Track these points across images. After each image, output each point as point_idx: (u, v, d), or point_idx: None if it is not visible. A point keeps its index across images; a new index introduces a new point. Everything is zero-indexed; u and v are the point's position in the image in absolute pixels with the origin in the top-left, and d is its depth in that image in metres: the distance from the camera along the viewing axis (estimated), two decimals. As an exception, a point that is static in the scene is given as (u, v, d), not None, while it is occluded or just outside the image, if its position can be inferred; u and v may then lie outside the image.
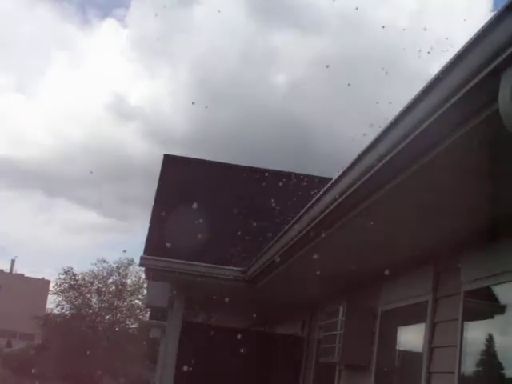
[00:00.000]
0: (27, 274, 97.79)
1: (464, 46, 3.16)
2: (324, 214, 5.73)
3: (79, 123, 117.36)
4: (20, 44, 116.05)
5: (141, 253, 10.40)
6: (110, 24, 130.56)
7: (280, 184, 13.05)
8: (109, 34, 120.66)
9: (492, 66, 2.94)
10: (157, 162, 13.81)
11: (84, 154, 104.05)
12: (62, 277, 49.79)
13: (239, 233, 11.26)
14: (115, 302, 50.55)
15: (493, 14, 2.95)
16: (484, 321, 5.67)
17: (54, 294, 50.72)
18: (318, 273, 8.07)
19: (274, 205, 12.21)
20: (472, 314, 5.50)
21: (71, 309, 50.14)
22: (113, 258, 79.52)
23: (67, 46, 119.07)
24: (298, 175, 13.89)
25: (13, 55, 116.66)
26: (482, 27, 3.00)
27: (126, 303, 50.83)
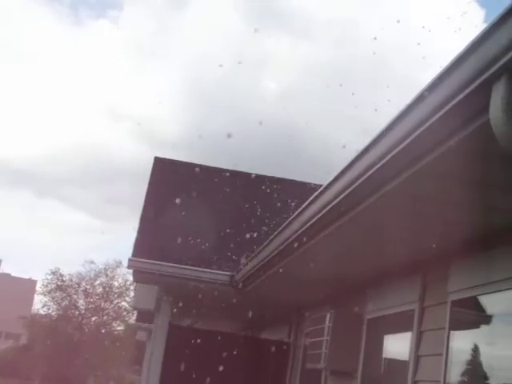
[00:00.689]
0: (14, 274, 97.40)
1: (455, 57, 3.18)
2: (313, 220, 5.74)
3: (69, 123, 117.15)
4: (10, 41, 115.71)
5: (129, 255, 10.39)
6: (102, 25, 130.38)
7: (270, 189, 13.07)
8: (101, 35, 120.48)
9: (483, 77, 2.96)
10: (147, 163, 13.82)
11: (73, 155, 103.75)
12: (49, 277, 49.66)
13: (228, 237, 11.27)
14: (102, 304, 50.41)
15: (484, 26, 2.97)
16: (470, 330, 5.70)
17: (40, 294, 50.57)
18: (305, 279, 8.09)
19: (263, 210, 12.23)
20: (459, 324, 5.52)
21: (58, 309, 49.97)
22: (101, 259, 79.30)
23: (58, 46, 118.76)
24: (288, 181, 13.94)
25: (2, 53, 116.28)
26: (474, 39, 3.03)
27: (112, 305, 50.71)
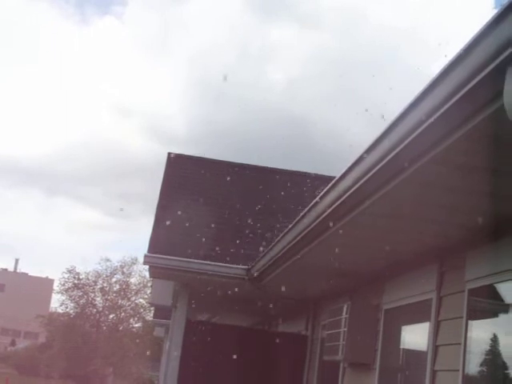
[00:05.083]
0: (31, 273, 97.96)
1: (470, 41, 3.15)
2: (328, 211, 5.71)
3: (79, 121, 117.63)
4: (19, 41, 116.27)
5: (144, 251, 10.41)
6: (108, 21, 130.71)
7: (283, 182, 13.05)
8: (108, 32, 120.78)
9: (498, 60, 2.93)
10: (157, 159, 13.88)
11: (85, 152, 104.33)
12: (66, 276, 49.92)
13: (243, 231, 11.26)
14: (119, 301, 50.65)
15: (496, 9, 2.94)
16: (488, 319, 5.66)
17: (58, 293, 50.84)
18: (321, 271, 8.07)
19: (277, 203, 12.21)
20: (476, 313, 5.49)
21: (75, 308, 50.23)
22: (115, 256, 79.53)
23: (66, 44, 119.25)
24: (301, 173, 13.91)
25: (11, 53, 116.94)
26: (488, 22, 2.99)
27: (129, 302, 50.93)
